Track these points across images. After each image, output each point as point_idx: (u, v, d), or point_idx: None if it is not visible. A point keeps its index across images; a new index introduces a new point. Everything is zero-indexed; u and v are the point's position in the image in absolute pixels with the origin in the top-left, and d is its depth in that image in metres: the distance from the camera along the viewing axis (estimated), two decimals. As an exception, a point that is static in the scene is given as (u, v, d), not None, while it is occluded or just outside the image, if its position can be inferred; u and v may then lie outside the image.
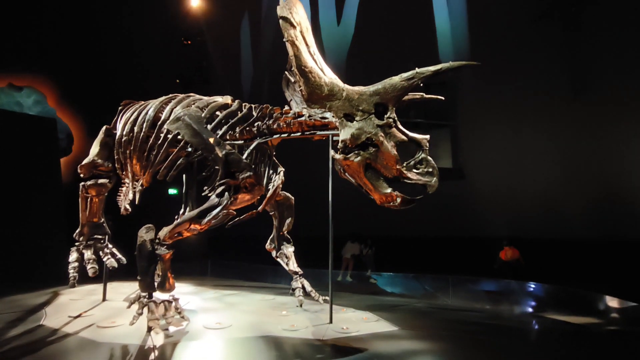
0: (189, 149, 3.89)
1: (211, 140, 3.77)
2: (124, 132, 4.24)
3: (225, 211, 3.74)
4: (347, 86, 3.56)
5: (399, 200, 3.51)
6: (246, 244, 7.68)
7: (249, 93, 11.29)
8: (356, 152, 3.48)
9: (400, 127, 3.53)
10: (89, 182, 4.50)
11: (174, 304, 3.64)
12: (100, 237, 4.74)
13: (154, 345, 3.17)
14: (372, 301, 5.30)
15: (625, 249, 6.86)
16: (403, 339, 3.50)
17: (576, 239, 7.71)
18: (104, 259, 4.61)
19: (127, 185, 4.95)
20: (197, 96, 4.29)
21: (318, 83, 3.53)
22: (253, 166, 3.94)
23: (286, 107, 4.09)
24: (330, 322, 3.87)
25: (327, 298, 4.39)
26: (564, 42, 8.21)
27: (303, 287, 4.46)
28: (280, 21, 3.46)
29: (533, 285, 5.58)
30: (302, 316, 4.11)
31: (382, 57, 9.81)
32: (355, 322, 3.96)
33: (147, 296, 3.53)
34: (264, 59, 11.27)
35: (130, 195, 5.17)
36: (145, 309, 3.47)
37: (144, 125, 4.08)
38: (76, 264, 4.58)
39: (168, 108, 4.09)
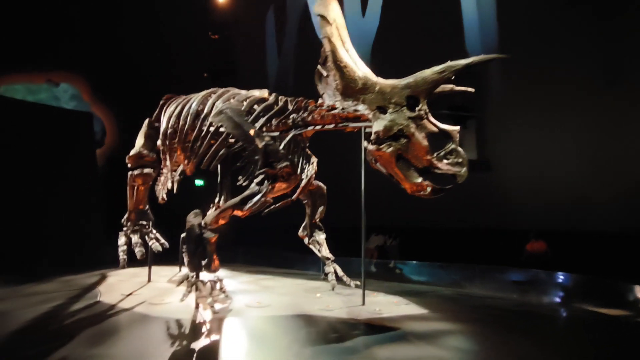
0: (230, 140, 4.15)
1: (251, 132, 4.01)
2: (169, 125, 4.53)
3: (263, 199, 3.98)
4: (380, 79, 3.73)
5: (429, 189, 3.67)
6: (272, 234, 7.98)
7: (274, 85, 11.51)
8: (388, 143, 3.64)
9: (432, 118, 3.67)
10: (135, 172, 4.83)
11: (218, 283, 3.92)
12: (145, 222, 5.08)
13: (204, 320, 3.46)
14: (400, 287, 5.48)
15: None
16: (434, 321, 3.68)
17: (605, 232, 7.64)
18: (150, 243, 4.95)
19: (165, 175, 5.28)
20: (236, 90, 4.52)
21: (352, 77, 3.71)
22: (289, 156, 4.16)
23: (320, 100, 4.28)
24: (363, 304, 4.09)
25: (359, 283, 4.62)
26: (596, 32, 8.07)
27: (335, 272, 4.69)
28: (317, 18, 3.64)
29: (562, 276, 5.64)
30: (336, 298, 4.34)
31: (407, 49, 9.85)
32: (387, 305, 4.16)
33: (194, 276, 3.82)
34: (289, 51, 11.46)
35: (169, 185, 5.49)
36: (194, 288, 3.77)
37: (188, 119, 4.35)
38: (125, 247, 4.93)
39: (210, 102, 4.34)
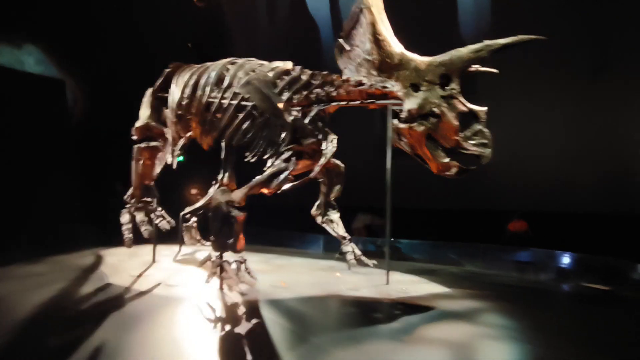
0: (255, 113, 3.92)
1: (280, 105, 3.80)
2: (183, 95, 4.21)
3: (290, 176, 3.83)
4: (415, 56, 3.63)
5: (454, 170, 3.67)
6: (261, 212, 7.82)
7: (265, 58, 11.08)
8: (420, 121, 3.58)
9: (461, 98, 3.64)
10: (142, 145, 4.49)
11: (244, 264, 3.76)
12: (150, 199, 4.78)
13: (236, 302, 3.31)
14: (408, 266, 5.53)
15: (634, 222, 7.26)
16: (461, 299, 3.73)
17: (587, 212, 8.05)
18: (156, 222, 4.68)
19: (164, 149, 4.97)
20: (258, 61, 4.26)
21: (390, 52, 3.58)
22: (316, 133, 4.00)
23: (346, 75, 4.11)
24: (387, 283, 4.09)
25: (376, 262, 4.62)
26: (585, 22, 8.29)
27: (353, 251, 4.64)
28: (361, -4, 3.46)
29: (556, 254, 5.90)
30: (357, 278, 4.31)
31: (403, 31, 9.74)
32: (409, 283, 4.18)
33: (219, 256, 3.65)
34: (281, 21, 11.01)
35: (169, 159, 5.19)
36: (219, 268, 3.60)
37: (207, 89, 4.06)
38: (130, 225, 4.63)
39: (231, 72, 4.06)
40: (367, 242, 8.55)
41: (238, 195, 3.60)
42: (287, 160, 3.80)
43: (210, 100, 4.04)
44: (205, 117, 4.09)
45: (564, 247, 6.21)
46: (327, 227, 4.88)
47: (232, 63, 4.22)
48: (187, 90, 4.20)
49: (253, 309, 3.16)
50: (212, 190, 5.73)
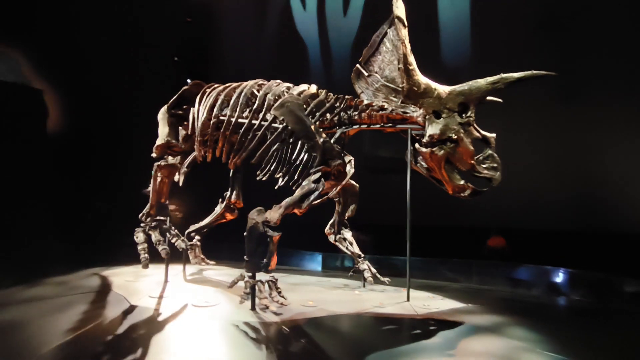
0: (285, 135, 4.02)
1: (312, 127, 3.93)
2: (212, 115, 4.25)
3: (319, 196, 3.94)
4: (437, 85, 3.91)
5: (469, 191, 3.96)
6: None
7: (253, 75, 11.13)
8: (440, 145, 3.85)
9: (475, 125, 3.96)
10: (162, 163, 4.43)
11: (276, 283, 3.79)
12: (164, 218, 4.69)
13: (282, 322, 3.33)
14: (415, 284, 5.63)
15: (602, 238, 7.92)
16: (483, 314, 3.95)
17: (559, 230, 8.66)
18: (173, 241, 4.59)
19: (181, 169, 4.99)
20: (285, 83, 4.37)
21: (417, 81, 3.83)
22: (342, 154, 4.15)
23: (367, 100, 4.32)
24: (408, 299, 4.25)
25: (389, 279, 4.79)
26: (556, 52, 9.08)
27: (369, 269, 4.77)
28: (396, 21, 3.70)
29: (548, 269, 6.31)
30: (376, 295, 4.44)
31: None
32: (426, 299, 4.36)
33: (252, 276, 3.66)
34: (270, 40, 11.15)
35: (177, 177, 5.17)
36: (252, 289, 3.60)
37: (237, 110, 4.13)
38: (146, 245, 4.51)
39: (261, 94, 4.16)
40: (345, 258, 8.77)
41: (275, 215, 3.65)
42: (317, 181, 3.91)
43: (241, 121, 4.11)
44: (234, 137, 4.15)
45: (544, 262, 6.67)
46: (340, 246, 5.00)
47: (259, 85, 4.32)
48: (216, 110, 4.24)
49: (296, 329, 3.20)
50: (218, 209, 5.73)
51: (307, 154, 3.98)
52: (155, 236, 4.51)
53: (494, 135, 4.01)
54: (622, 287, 5.15)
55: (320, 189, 3.89)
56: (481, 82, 3.84)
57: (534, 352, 2.87)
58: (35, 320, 3.33)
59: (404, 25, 3.70)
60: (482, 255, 7.50)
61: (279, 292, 3.82)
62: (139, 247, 4.49)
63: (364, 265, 4.78)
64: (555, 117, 9.21)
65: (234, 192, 5.43)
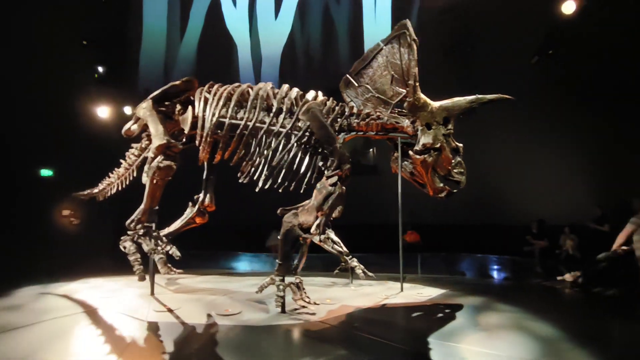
0: (304, 139, 4.11)
1: (333, 133, 4.13)
2: (222, 116, 4.07)
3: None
4: (429, 100, 4.52)
5: (445, 192, 4.70)
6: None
7: (177, 68, 10.35)
8: (429, 153, 4.49)
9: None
10: (162, 164, 4.03)
11: (301, 284, 3.86)
12: (152, 224, 4.26)
13: (326, 322, 3.43)
14: (390, 277, 6.09)
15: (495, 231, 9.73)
16: (467, 296, 4.61)
17: (461, 224, 10.25)
18: (167, 249, 4.20)
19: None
20: (295, 88, 4.40)
21: (419, 97, 4.38)
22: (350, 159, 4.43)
23: (366, 110, 4.69)
24: (402, 290, 4.74)
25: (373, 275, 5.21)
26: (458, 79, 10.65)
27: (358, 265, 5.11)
28: (413, 44, 4.16)
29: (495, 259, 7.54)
30: (373, 289, 4.83)
31: (314, 55, 10.70)
32: (414, 289, 4.91)
33: (282, 279, 3.67)
34: (196, 31, 10.52)
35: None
36: (285, 291, 3.62)
37: (256, 113, 4.06)
38: (138, 255, 4.03)
39: (278, 98, 4.15)
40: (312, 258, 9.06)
41: (310, 219, 3.74)
42: (334, 184, 4.12)
43: (259, 125, 4.04)
44: (249, 140, 4.05)
45: (467, 251, 7.97)
46: (326, 246, 5.22)
47: (272, 87, 4.29)
48: (228, 112, 4.07)
49: (345, 324, 3.38)
50: (188, 211, 5.42)
51: (309, 158, 4.13)
52: (147, 245, 4.08)
53: (461, 145, 4.76)
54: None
55: (338, 192, 4.11)
56: (462, 100, 4.53)
57: (524, 318, 3.62)
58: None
59: (417, 46, 4.17)
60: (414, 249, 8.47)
61: (305, 293, 3.92)
62: (131, 258, 4.02)
63: (354, 262, 5.10)
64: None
65: (207, 195, 5.21)
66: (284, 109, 4.15)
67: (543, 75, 8.95)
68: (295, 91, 4.33)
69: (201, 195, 5.22)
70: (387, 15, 10.78)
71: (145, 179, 4.58)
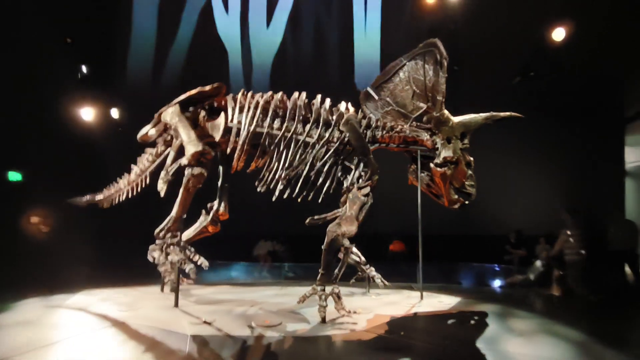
0: (339, 151, 4.17)
1: (368, 145, 4.21)
2: (259, 126, 4.04)
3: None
4: (450, 115, 4.74)
5: (459, 203, 4.93)
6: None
7: (166, 72, 10.04)
8: (449, 165, 4.70)
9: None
10: (196, 171, 3.91)
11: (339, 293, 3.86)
12: (179, 233, 4.11)
13: (364, 330, 3.45)
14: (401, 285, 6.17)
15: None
16: (484, 303, 4.77)
17: (443, 234, 10.59)
18: (196, 260, 4.06)
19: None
20: (328, 99, 4.45)
21: (443, 112, 4.58)
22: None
23: (392, 122, 4.82)
24: (421, 299, 4.85)
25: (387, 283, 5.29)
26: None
27: (369, 273, 5.16)
28: (444, 61, 4.35)
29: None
30: (393, 298, 4.90)
31: (305, 65, 10.81)
32: (432, 297, 5.03)
33: (323, 289, 3.67)
34: (186, 34, 10.27)
35: (160, 185, 4.68)
36: (327, 300, 3.62)
37: (294, 124, 4.07)
38: (168, 265, 3.86)
39: (315, 108, 4.17)
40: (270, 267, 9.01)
41: (352, 229, 3.77)
42: (366, 195, 4.20)
43: (296, 137, 4.05)
44: (285, 151, 4.04)
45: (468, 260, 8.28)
46: (341, 255, 5.28)
47: (304, 97, 4.31)
48: (265, 122, 4.05)
49: (392, 335, 3.42)
50: (202, 219, 5.29)
51: (335, 169, 4.20)
52: (177, 255, 3.93)
53: (471, 159, 5.01)
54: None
55: (370, 202, 4.19)
56: (478, 117, 4.76)
57: (547, 323, 3.85)
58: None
59: (447, 63, 4.36)
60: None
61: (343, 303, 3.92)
62: (162, 269, 3.85)
63: (373, 272, 5.17)
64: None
65: (222, 204, 5.12)
66: (321, 120, 4.18)
67: (524, 94, 9.58)
68: (328, 102, 4.38)
69: (215, 204, 5.10)
70: (377, 29, 11.09)
71: (161, 186, 4.43)
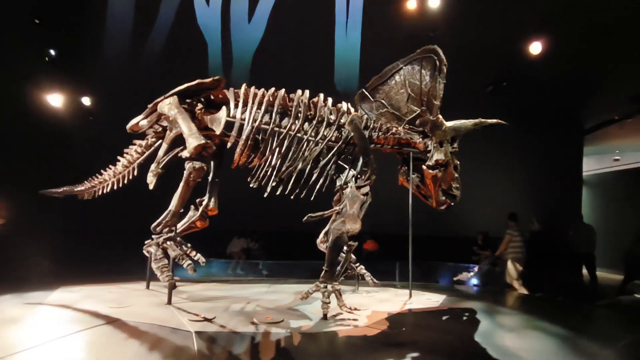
0: (341, 150, 4.20)
1: (369, 144, 4.28)
2: (262, 122, 3.99)
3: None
4: (444, 121, 4.93)
5: (446, 205, 5.16)
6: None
7: (146, 62, 9.61)
8: (440, 168, 4.90)
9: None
10: (197, 165, 3.80)
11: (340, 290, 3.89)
12: (175, 228, 3.98)
13: (366, 326, 3.51)
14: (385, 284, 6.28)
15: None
16: (470, 300, 5.00)
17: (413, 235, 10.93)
18: (192, 255, 3.95)
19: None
20: (330, 98, 4.46)
21: (438, 116, 4.76)
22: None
23: (387, 124, 4.93)
24: (410, 296, 4.99)
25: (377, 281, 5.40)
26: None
27: (361, 272, 5.25)
28: (443, 68, 4.50)
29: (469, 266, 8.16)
30: (383, 295, 5.01)
31: (286, 61, 10.77)
32: (420, 295, 5.18)
33: (326, 286, 3.69)
34: (164, 23, 9.88)
35: (149, 178, 4.56)
36: (330, 297, 3.65)
37: (298, 122, 4.05)
38: (165, 261, 3.72)
39: (319, 107, 4.18)
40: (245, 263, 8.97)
41: (356, 227, 3.81)
42: (366, 194, 4.27)
43: (300, 135, 4.04)
44: (285, 148, 4.02)
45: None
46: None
47: (306, 95, 4.30)
48: (265, 118, 4.01)
49: (394, 330, 3.50)
50: (191, 214, 5.17)
51: (329, 167, 4.25)
52: (174, 250, 3.81)
53: (457, 162, 5.23)
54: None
55: (370, 201, 4.27)
56: (468, 122, 4.98)
57: (532, 319, 4.11)
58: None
59: (446, 69, 4.52)
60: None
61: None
62: (160, 265, 3.70)
63: (363, 270, 5.25)
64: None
65: (212, 199, 5.02)
66: (325, 119, 4.20)
67: (496, 102, 10.07)
68: (330, 101, 4.41)
69: (205, 199, 4.98)
70: (358, 32, 11.23)
71: (150, 179, 4.27)
